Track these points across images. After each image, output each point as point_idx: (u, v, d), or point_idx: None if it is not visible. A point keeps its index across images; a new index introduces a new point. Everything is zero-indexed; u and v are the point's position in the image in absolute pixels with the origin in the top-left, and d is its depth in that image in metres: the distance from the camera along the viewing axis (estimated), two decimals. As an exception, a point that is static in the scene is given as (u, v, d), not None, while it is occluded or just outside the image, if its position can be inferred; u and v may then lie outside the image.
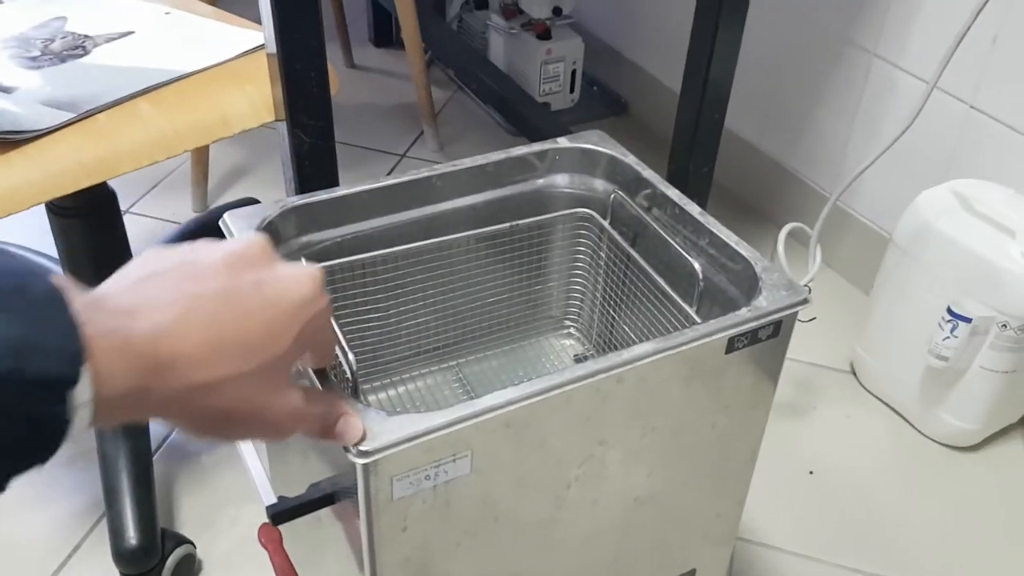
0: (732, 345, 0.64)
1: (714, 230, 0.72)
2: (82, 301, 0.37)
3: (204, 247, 0.45)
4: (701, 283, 0.71)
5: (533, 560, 0.68)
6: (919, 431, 1.17)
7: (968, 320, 1.04)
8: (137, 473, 0.95)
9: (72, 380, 0.35)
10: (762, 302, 0.64)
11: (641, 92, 1.79)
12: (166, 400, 0.40)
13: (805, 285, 0.77)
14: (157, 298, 0.40)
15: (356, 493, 0.57)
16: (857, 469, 1.12)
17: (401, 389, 0.87)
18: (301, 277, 0.45)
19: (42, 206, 0.98)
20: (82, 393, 0.35)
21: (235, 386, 0.42)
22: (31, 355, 0.33)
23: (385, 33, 2.04)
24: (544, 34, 1.71)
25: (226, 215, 0.70)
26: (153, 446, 1.08)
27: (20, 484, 1.11)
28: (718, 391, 0.67)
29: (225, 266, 0.43)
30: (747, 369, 0.67)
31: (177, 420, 0.42)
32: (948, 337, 1.06)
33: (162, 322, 0.39)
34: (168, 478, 1.06)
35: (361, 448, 0.53)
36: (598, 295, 0.89)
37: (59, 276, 0.36)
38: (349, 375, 0.62)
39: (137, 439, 0.98)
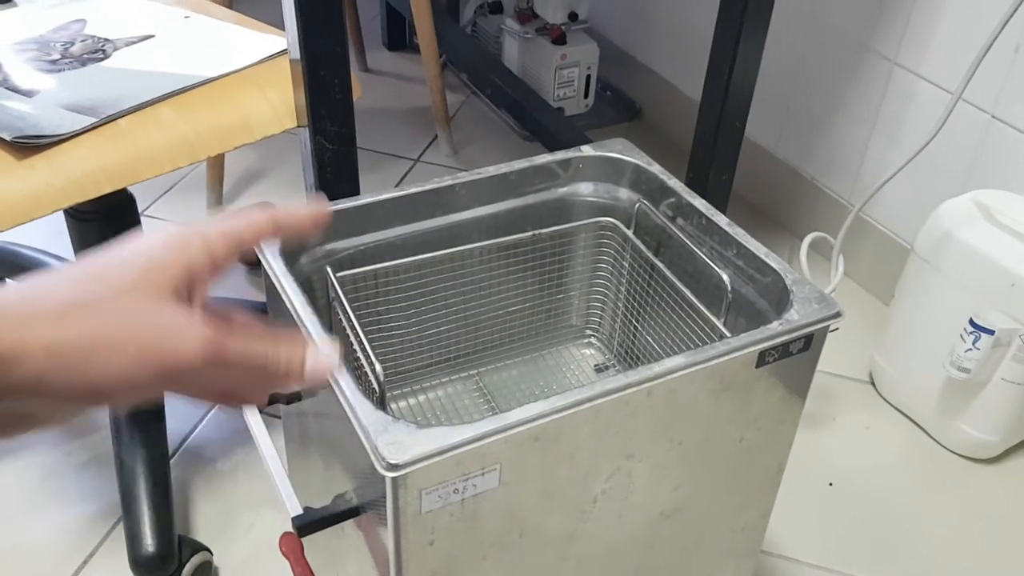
0: (763, 359, 0.63)
1: (742, 241, 0.71)
2: None
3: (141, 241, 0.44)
4: (730, 295, 0.71)
5: (557, 573, 0.67)
6: (938, 442, 1.16)
7: (991, 332, 1.03)
8: (155, 479, 0.95)
9: None
10: (794, 315, 0.63)
11: (655, 97, 1.78)
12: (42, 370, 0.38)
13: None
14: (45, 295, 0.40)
15: (383, 505, 0.56)
16: (876, 480, 1.11)
17: (421, 398, 0.86)
18: (187, 333, 0.42)
19: (61, 210, 0.98)
20: None
21: (94, 314, 0.40)
22: None
23: (399, 36, 2.04)
24: (559, 39, 1.71)
25: (251, 223, 0.70)
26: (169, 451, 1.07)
27: (32, 488, 1.10)
28: (747, 405, 0.66)
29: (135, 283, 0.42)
30: (777, 383, 0.66)
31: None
32: (970, 349, 1.05)
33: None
34: (184, 483, 1.05)
35: (391, 461, 0.53)
36: (620, 305, 0.89)
37: None
38: (376, 386, 0.62)
39: (155, 445, 0.98)
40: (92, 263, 0.43)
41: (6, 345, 0.37)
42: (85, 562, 0.97)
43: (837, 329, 0.77)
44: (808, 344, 0.65)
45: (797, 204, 1.50)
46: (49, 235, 1.26)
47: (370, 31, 2.01)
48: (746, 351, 0.62)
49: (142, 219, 1.11)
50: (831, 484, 1.10)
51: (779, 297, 0.67)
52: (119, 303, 0.41)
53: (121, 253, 0.43)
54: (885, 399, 1.22)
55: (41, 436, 1.11)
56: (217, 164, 1.50)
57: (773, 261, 0.69)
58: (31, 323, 0.38)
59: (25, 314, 0.39)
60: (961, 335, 1.06)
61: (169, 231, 0.44)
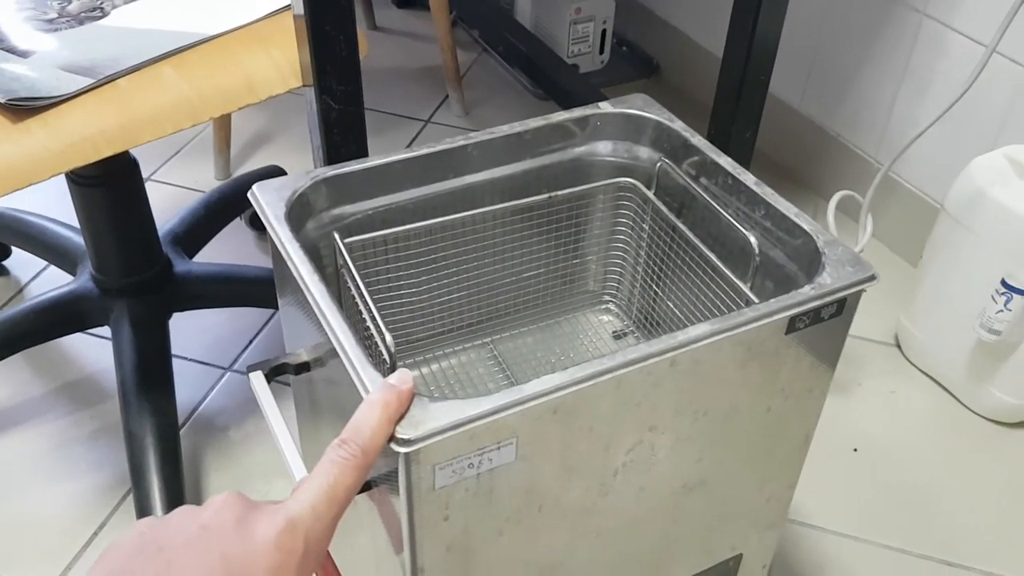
0: (793, 325, 0.60)
1: (770, 201, 0.68)
2: None
3: (175, 523, 0.43)
4: (757, 258, 0.67)
5: (576, 547, 0.65)
6: (966, 406, 1.13)
7: (1023, 292, 0.99)
8: (164, 451, 0.93)
9: None
10: (826, 279, 0.60)
11: (674, 53, 1.73)
12: None
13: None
14: None
15: (395, 480, 0.54)
16: (903, 446, 1.08)
17: (435, 367, 0.84)
18: (267, 550, 0.43)
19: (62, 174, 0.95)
20: None
21: None
22: None
23: (408, -7, 1.99)
24: (573, -7, 1.66)
25: (255, 187, 0.67)
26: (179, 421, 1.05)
27: (41, 458, 1.09)
28: (775, 373, 0.63)
29: (191, 545, 0.42)
30: (807, 350, 0.63)
31: None
32: (1001, 310, 1.02)
33: None
34: (194, 453, 1.04)
35: (402, 436, 0.50)
36: (639, 269, 0.85)
37: None
38: (386, 356, 0.59)
39: (164, 416, 0.96)
40: None
41: None
42: (95, 534, 0.96)
43: (864, 290, 0.74)
44: (841, 309, 0.62)
45: (822, 162, 1.46)
46: (56, 200, 1.24)
47: (379, -12, 1.96)
48: (776, 317, 0.59)
49: (147, 184, 1.09)
50: (856, 450, 1.07)
51: (810, 260, 0.64)
52: None
53: None
54: (911, 362, 1.18)
55: (49, 405, 1.09)
56: (224, 127, 1.46)
57: (804, 222, 0.65)
58: None
59: None
60: (992, 296, 1.02)
61: None
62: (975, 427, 1.11)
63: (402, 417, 0.51)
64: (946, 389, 1.15)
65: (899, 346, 1.21)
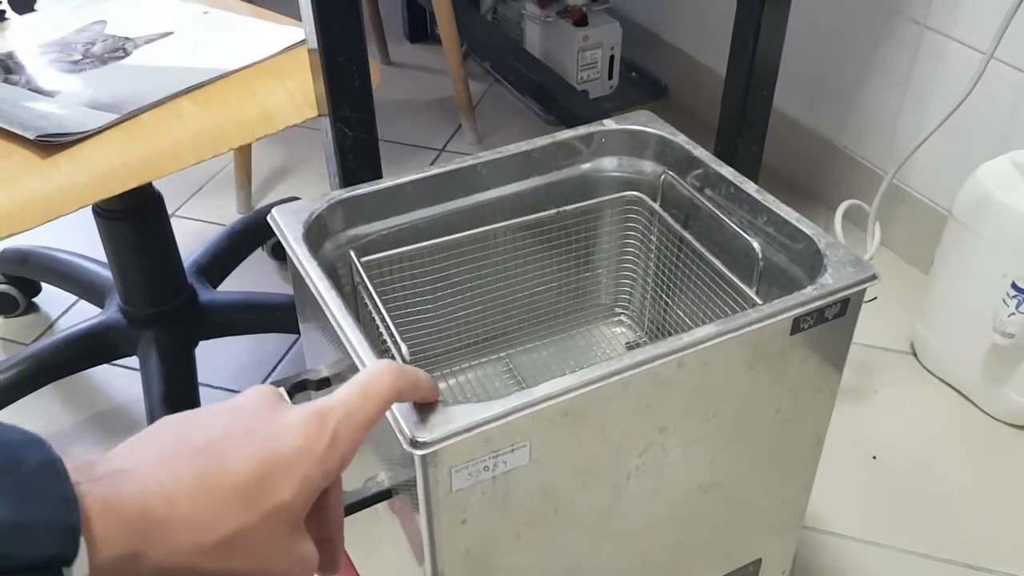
0: (797, 325, 0.61)
1: (772, 207, 0.69)
2: (76, 467, 0.36)
3: (210, 407, 0.44)
4: (761, 263, 0.69)
5: (593, 551, 0.66)
6: (984, 411, 1.13)
7: (1035, 295, 1.00)
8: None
9: (69, 557, 0.34)
10: (828, 279, 0.62)
11: (682, 75, 1.76)
12: (162, 566, 0.38)
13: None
14: (145, 457, 0.39)
15: (414, 486, 0.55)
16: (921, 452, 1.09)
17: (452, 382, 0.86)
18: (292, 434, 0.42)
19: (89, 210, 0.98)
20: (79, 568, 0.34)
21: (239, 543, 0.39)
22: (25, 538, 0.33)
23: (420, 28, 2.03)
24: (581, 20, 1.69)
25: (274, 210, 0.70)
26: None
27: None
28: (783, 374, 0.64)
29: (221, 420, 0.42)
30: (813, 350, 0.64)
31: None
32: (1013, 313, 1.02)
33: (148, 480, 0.38)
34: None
35: (419, 439, 0.52)
36: (649, 280, 0.87)
37: (48, 446, 0.36)
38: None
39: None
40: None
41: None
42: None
43: (875, 299, 0.75)
44: (844, 309, 0.63)
45: (832, 176, 1.47)
46: (86, 238, 1.27)
47: (391, 24, 2.01)
48: (779, 318, 0.60)
49: (173, 220, 1.12)
50: (874, 457, 1.08)
51: (812, 262, 0.66)
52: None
53: None
54: (928, 369, 1.19)
55: (79, 436, 1.12)
56: (245, 162, 1.50)
57: (805, 226, 0.67)
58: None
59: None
60: (1004, 299, 1.03)
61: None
62: (993, 430, 1.11)
63: (424, 413, 0.53)
64: (962, 394, 1.15)
65: (915, 354, 1.21)
